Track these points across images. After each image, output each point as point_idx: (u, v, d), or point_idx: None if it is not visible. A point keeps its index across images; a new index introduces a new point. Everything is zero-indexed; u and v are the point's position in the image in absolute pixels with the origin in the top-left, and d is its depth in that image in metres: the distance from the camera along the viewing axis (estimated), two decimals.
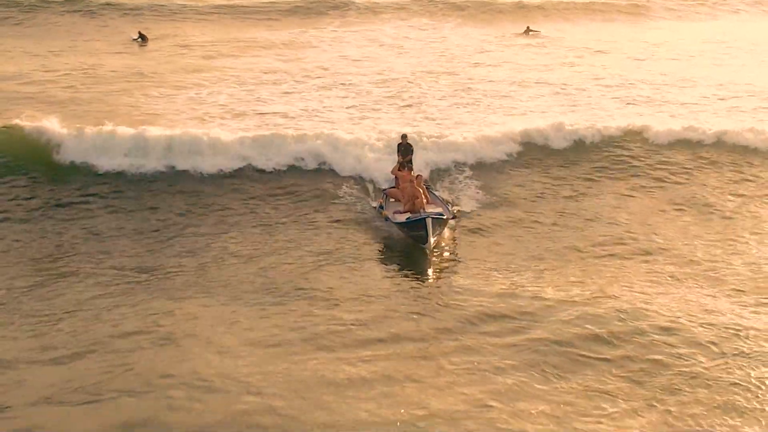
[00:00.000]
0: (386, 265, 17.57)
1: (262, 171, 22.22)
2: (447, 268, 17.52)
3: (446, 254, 18.08)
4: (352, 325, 14.51)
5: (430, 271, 17.29)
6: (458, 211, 19.57)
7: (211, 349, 13.62)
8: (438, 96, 29.99)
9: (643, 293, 15.74)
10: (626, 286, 16.03)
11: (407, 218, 18.36)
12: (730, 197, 21.50)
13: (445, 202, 19.99)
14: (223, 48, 37.61)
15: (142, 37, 40.24)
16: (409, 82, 31.80)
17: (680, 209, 20.75)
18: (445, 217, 18.45)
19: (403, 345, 13.86)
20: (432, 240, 17.63)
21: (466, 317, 14.76)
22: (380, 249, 18.41)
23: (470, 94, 30.24)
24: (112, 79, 31.19)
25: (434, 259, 17.68)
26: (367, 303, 15.37)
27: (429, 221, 17.59)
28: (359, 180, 22.21)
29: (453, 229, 18.98)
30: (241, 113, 27.11)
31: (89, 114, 25.87)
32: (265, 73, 32.81)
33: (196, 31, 41.55)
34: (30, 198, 20.29)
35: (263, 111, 27.51)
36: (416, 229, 17.85)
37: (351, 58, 36.10)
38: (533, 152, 23.92)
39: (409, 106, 28.63)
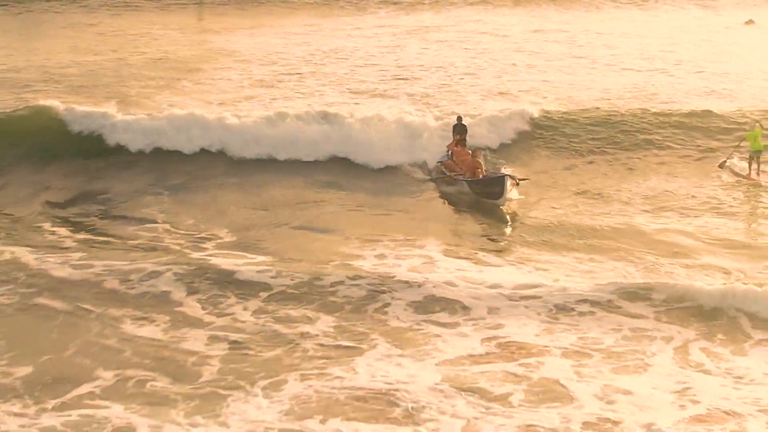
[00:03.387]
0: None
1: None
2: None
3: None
4: None
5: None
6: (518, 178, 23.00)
7: None
8: None
9: None
10: None
11: (483, 176, 21.92)
12: None
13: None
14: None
15: None
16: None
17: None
18: (517, 178, 22.03)
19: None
20: (505, 196, 21.11)
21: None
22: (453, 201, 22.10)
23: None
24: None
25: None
26: None
27: (507, 179, 21.15)
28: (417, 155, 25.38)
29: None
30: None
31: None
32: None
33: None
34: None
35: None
36: (492, 186, 21.35)
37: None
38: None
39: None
